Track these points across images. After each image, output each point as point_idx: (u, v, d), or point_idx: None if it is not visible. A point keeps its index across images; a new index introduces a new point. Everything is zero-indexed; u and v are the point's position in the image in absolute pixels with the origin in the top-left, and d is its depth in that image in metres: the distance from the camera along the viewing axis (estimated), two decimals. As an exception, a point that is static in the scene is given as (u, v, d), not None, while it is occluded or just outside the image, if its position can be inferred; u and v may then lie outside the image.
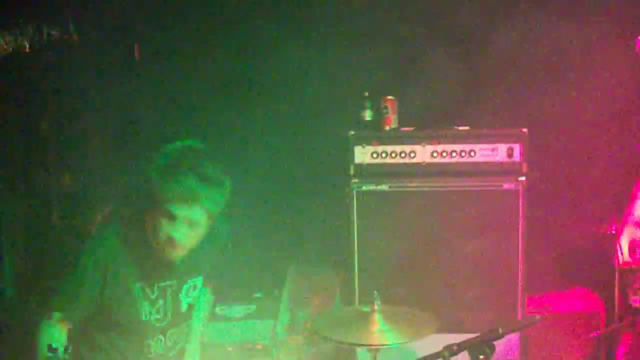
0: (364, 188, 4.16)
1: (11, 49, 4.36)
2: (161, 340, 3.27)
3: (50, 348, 2.23)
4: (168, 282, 3.23)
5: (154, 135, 4.49)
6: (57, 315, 3.01)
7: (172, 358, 3.32)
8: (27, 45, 4.40)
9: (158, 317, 3.22)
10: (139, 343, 3.19)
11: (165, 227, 3.05)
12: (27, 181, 4.82)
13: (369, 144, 4.18)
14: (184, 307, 3.31)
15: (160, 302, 3.21)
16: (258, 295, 4.56)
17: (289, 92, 4.70)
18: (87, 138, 4.87)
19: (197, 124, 4.63)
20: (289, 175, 4.75)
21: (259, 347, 4.26)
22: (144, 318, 3.17)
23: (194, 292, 3.36)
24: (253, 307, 4.44)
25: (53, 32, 4.48)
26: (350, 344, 3.34)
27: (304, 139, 4.72)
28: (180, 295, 3.29)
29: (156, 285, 3.19)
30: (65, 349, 2.26)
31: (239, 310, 4.36)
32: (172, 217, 3.04)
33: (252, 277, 4.65)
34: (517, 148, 4.14)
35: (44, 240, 4.82)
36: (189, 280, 3.32)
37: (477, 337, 2.71)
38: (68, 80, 4.59)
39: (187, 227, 3.06)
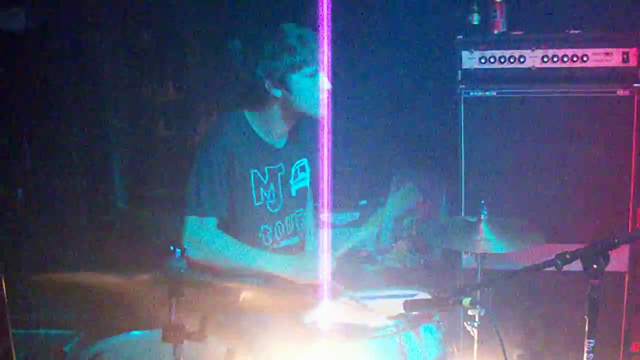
0: (471, 94, 4.06)
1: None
2: (281, 227, 3.33)
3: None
4: (277, 166, 3.31)
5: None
6: (192, 219, 3.11)
7: (292, 248, 3.38)
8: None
9: (271, 202, 3.29)
10: (255, 229, 3.25)
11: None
12: (132, 94, 4.92)
13: (477, 48, 4.06)
14: (293, 192, 3.38)
15: (272, 186, 3.28)
16: (362, 203, 4.58)
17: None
18: (186, 47, 4.90)
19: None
20: (394, 81, 4.68)
21: (363, 254, 4.31)
22: (256, 204, 3.24)
23: (303, 173, 3.42)
24: (357, 214, 4.47)
25: None
26: (456, 249, 3.33)
27: (410, 43, 4.62)
28: (290, 179, 3.36)
29: (267, 169, 3.27)
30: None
31: (343, 217, 4.40)
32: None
33: (357, 184, 4.67)
34: (633, 52, 3.94)
35: (152, 151, 4.93)
36: (295, 163, 3.39)
37: (590, 246, 2.63)
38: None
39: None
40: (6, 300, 2.10)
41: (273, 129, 3.29)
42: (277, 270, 3.15)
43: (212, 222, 3.12)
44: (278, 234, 3.32)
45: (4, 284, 2.07)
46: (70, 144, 4.71)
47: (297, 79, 3.17)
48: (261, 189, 3.25)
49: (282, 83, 3.18)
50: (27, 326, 3.75)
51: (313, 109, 3.22)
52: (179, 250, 2.31)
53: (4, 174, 4.47)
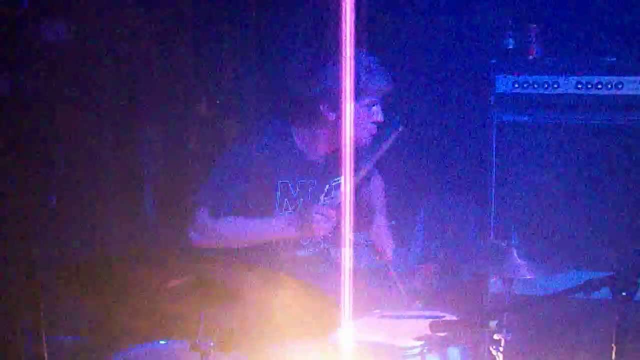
0: (504, 118, 4.07)
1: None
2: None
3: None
4: (309, 181, 3.32)
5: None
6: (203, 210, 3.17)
7: (312, 257, 3.39)
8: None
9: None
10: None
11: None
12: (168, 106, 4.96)
13: (511, 73, 4.07)
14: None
15: (300, 201, 3.29)
16: (392, 223, 4.57)
17: (431, 20, 4.60)
18: (222, 62, 4.95)
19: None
20: (427, 103, 4.69)
21: (391, 274, 4.29)
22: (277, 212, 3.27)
23: (336, 192, 3.41)
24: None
25: None
26: (484, 273, 3.32)
27: (444, 67, 4.63)
28: (320, 195, 3.36)
29: (299, 182, 3.28)
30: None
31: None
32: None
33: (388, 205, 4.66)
34: (669, 81, 3.93)
35: (182, 165, 4.97)
36: (330, 180, 3.39)
37: (620, 273, 2.62)
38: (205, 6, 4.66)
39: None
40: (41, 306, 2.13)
41: (317, 146, 3.30)
42: (285, 234, 3.20)
43: (220, 213, 3.18)
44: (295, 245, 3.33)
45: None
46: (104, 153, 4.77)
47: (354, 107, 3.14)
48: (286, 199, 3.27)
49: (337, 108, 3.16)
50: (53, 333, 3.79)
51: (362, 139, 3.23)
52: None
53: (38, 181, 4.53)
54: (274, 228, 3.22)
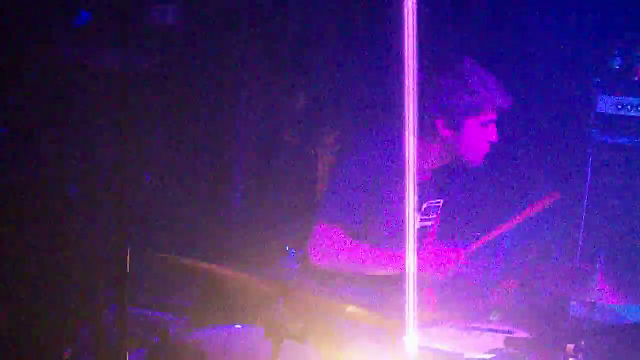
0: (603, 139, 3.98)
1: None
2: None
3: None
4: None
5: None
6: None
7: None
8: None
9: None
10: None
11: None
12: (263, 98, 5.04)
13: (614, 93, 3.98)
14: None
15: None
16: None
17: (537, 34, 4.53)
18: (320, 57, 4.98)
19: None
20: (526, 118, 4.62)
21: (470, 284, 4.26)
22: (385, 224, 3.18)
23: (433, 213, 3.35)
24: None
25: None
26: (566, 295, 3.26)
27: (548, 81, 4.55)
28: (418, 212, 3.28)
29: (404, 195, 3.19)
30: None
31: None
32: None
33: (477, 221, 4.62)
34: None
35: (276, 158, 5.03)
36: (429, 199, 3.31)
37: None
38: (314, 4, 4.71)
39: None
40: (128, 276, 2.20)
41: (425, 161, 3.15)
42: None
43: (339, 232, 3.06)
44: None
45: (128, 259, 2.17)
46: (198, 138, 4.88)
47: (470, 124, 3.08)
48: (392, 211, 3.13)
49: (454, 125, 3.07)
50: (135, 305, 3.91)
51: (475, 158, 3.15)
52: (294, 251, 2.37)
53: (136, 161, 4.67)
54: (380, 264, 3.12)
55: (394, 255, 3.11)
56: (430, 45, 4.54)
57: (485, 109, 3.07)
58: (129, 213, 2.15)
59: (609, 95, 4.00)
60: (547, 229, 4.49)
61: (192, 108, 4.78)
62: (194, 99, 4.79)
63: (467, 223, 4.15)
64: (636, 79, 4.03)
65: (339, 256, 3.05)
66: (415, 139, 3.12)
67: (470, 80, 3.05)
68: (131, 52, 2.35)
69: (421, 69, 3.13)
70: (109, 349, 3.02)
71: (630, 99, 3.97)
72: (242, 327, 2.93)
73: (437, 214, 3.37)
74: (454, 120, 3.07)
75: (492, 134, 3.12)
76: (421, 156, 3.15)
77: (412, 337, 3.02)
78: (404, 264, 3.01)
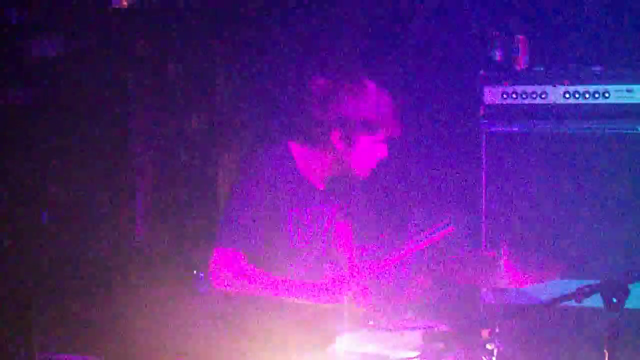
0: (493, 129, 4.11)
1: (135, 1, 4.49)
2: (310, 266, 3.28)
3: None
4: (315, 207, 3.23)
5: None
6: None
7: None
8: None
9: (303, 242, 3.21)
10: (284, 268, 3.18)
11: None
12: (156, 122, 4.96)
13: (499, 84, 4.11)
14: (326, 233, 3.33)
15: (308, 228, 3.20)
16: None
17: (419, 33, 4.65)
18: (214, 79, 4.96)
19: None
20: (415, 116, 4.72)
21: (383, 286, 4.31)
22: (290, 244, 3.17)
23: (338, 215, 3.38)
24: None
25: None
26: (476, 284, 3.34)
27: (431, 79, 4.67)
28: (325, 221, 3.30)
29: (305, 209, 3.19)
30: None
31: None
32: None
33: (378, 221, 4.68)
34: (655, 90, 3.98)
35: (173, 181, 4.97)
36: (332, 204, 3.33)
37: (611, 279, 2.65)
38: (199, 24, 4.68)
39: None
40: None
41: (317, 170, 3.20)
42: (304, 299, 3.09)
43: (239, 255, 3.03)
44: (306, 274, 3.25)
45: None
46: (94, 168, 4.76)
47: (363, 140, 3.11)
48: (295, 228, 3.16)
49: (348, 139, 3.10)
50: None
51: (363, 171, 3.19)
52: (202, 274, 2.34)
53: (29, 198, 4.53)
54: (298, 292, 3.08)
55: (303, 284, 3.11)
56: (333, 59, 4.64)
57: (381, 129, 3.11)
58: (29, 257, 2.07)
59: (494, 86, 4.13)
60: (451, 221, 4.59)
61: (82, 140, 4.66)
62: (82, 130, 4.68)
63: (364, 231, 4.23)
64: (517, 68, 4.18)
65: (241, 281, 3.03)
66: (308, 149, 3.19)
67: (369, 99, 3.09)
68: (7, 86, 2.27)
69: (323, 82, 3.18)
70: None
71: (515, 87, 4.11)
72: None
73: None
74: (348, 135, 3.10)
75: (383, 151, 3.17)
76: (313, 166, 3.21)
77: (342, 343, 3.04)
78: (314, 293, 3.07)
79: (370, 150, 3.15)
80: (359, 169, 3.19)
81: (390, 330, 3.18)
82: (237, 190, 3.15)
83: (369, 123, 3.09)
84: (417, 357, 2.93)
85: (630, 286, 2.62)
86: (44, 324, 4.03)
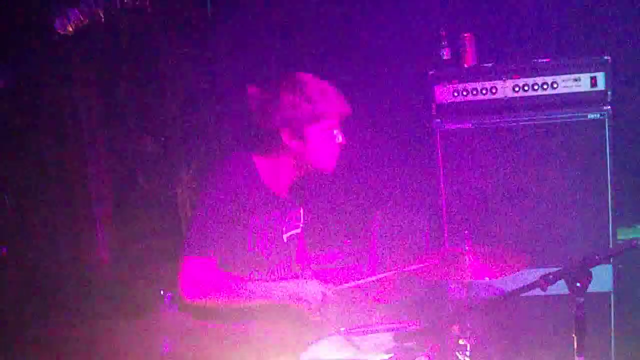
0: (446, 127, 4.15)
1: (87, 21, 4.44)
2: (273, 272, 3.27)
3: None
4: (274, 213, 3.24)
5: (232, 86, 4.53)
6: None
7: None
8: (102, 15, 4.48)
9: (265, 249, 3.22)
10: (246, 274, 3.20)
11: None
12: (110, 146, 4.92)
13: (449, 82, 4.16)
14: (285, 238, 3.33)
15: (267, 233, 3.21)
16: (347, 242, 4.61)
17: (366, 35, 4.68)
18: (164, 99, 4.94)
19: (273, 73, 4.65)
20: (369, 119, 4.75)
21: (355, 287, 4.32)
22: (250, 250, 3.18)
23: (296, 222, 3.39)
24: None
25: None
26: (442, 280, 3.36)
27: (383, 81, 4.71)
28: (284, 227, 3.31)
29: (266, 216, 3.20)
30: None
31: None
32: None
33: (341, 224, 4.70)
34: (600, 76, 4.05)
35: (133, 204, 4.93)
36: (291, 211, 3.35)
37: (573, 264, 2.68)
38: (143, 43, 4.65)
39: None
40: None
41: (281, 177, 3.23)
42: (277, 301, 3.10)
43: (211, 263, 3.04)
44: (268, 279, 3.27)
45: None
46: (51, 197, 4.70)
47: (314, 132, 3.14)
48: (255, 235, 3.17)
49: (299, 134, 3.14)
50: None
51: (326, 164, 3.20)
52: (170, 293, 2.33)
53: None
54: (270, 296, 3.10)
55: (276, 287, 3.12)
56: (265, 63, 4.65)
57: (326, 115, 3.14)
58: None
59: (445, 85, 4.18)
60: (413, 220, 4.63)
61: (40, 169, 4.61)
62: (38, 159, 4.62)
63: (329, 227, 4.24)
64: (466, 65, 4.23)
65: (212, 290, 3.03)
66: (269, 158, 3.20)
67: (306, 90, 3.12)
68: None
69: (256, 90, 3.20)
70: None
71: (464, 84, 4.16)
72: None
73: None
74: (297, 130, 3.13)
75: (337, 137, 3.19)
76: (277, 174, 3.22)
77: (314, 350, 3.04)
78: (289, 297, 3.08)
79: (324, 140, 3.17)
80: (320, 163, 3.20)
81: (362, 333, 3.20)
82: (200, 203, 3.14)
83: (312, 113, 3.11)
84: (390, 358, 2.94)
85: (592, 270, 2.66)
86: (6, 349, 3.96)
